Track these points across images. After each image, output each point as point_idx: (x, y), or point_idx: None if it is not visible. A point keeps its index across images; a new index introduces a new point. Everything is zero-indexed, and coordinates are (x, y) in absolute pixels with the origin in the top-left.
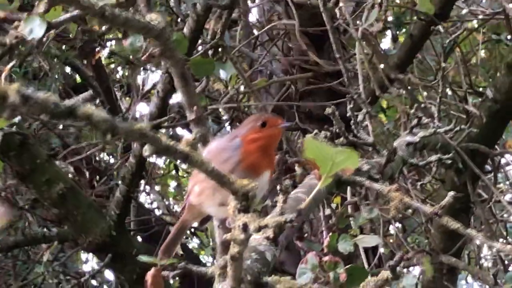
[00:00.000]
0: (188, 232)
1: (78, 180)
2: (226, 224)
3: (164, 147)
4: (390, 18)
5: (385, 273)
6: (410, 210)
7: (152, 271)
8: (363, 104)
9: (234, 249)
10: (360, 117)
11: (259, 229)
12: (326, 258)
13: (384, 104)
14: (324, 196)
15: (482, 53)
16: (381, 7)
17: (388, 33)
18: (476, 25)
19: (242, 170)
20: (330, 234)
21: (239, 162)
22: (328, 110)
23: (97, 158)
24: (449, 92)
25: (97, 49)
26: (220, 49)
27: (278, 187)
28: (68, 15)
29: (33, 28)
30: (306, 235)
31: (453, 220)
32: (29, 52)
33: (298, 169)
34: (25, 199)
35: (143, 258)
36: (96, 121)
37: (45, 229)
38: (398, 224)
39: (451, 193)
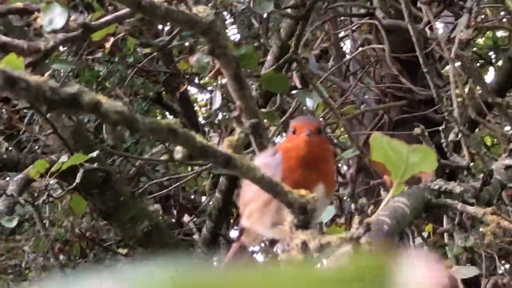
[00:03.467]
0: None
1: (166, 218)
2: (280, 245)
3: (200, 149)
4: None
5: None
6: None
7: None
8: (455, 123)
9: None
10: (451, 136)
11: (321, 247)
12: None
13: (488, 141)
14: (410, 219)
15: None
16: (471, 14)
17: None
18: None
19: None
20: None
21: (282, 182)
22: (417, 131)
23: (192, 197)
24: None
25: (181, 83)
26: (294, 63)
27: (352, 207)
28: (109, 16)
29: (53, 18)
30: None
31: None
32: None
33: (384, 194)
34: (111, 238)
35: None
36: (104, 112)
37: None
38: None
39: None
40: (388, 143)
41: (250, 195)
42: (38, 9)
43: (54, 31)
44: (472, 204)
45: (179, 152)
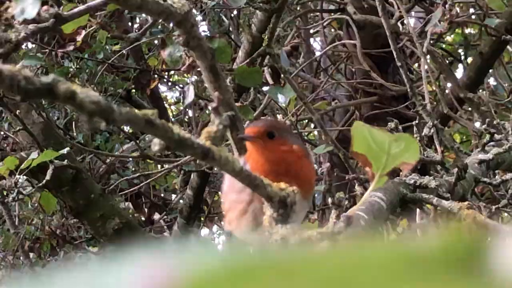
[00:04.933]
0: None
1: (137, 216)
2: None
3: (177, 140)
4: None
5: None
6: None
7: None
8: (429, 117)
9: None
10: (425, 131)
11: (301, 243)
12: None
13: (457, 138)
14: (386, 214)
15: None
16: (445, 6)
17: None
18: None
19: (258, 203)
20: None
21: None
22: (391, 125)
23: (162, 194)
24: None
25: (152, 80)
26: (266, 58)
27: (329, 201)
28: (82, 6)
29: (25, 8)
30: None
31: None
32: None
33: (358, 189)
34: (82, 236)
35: None
36: (80, 102)
37: None
38: None
39: None
40: (369, 133)
41: (227, 205)
42: None
43: (25, 22)
44: (447, 199)
45: (156, 144)
